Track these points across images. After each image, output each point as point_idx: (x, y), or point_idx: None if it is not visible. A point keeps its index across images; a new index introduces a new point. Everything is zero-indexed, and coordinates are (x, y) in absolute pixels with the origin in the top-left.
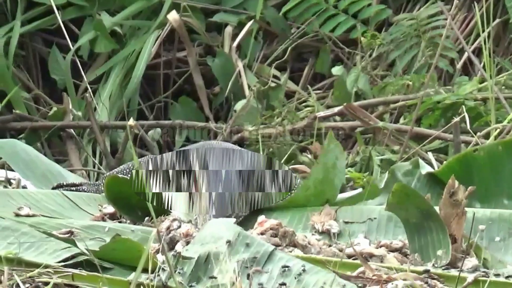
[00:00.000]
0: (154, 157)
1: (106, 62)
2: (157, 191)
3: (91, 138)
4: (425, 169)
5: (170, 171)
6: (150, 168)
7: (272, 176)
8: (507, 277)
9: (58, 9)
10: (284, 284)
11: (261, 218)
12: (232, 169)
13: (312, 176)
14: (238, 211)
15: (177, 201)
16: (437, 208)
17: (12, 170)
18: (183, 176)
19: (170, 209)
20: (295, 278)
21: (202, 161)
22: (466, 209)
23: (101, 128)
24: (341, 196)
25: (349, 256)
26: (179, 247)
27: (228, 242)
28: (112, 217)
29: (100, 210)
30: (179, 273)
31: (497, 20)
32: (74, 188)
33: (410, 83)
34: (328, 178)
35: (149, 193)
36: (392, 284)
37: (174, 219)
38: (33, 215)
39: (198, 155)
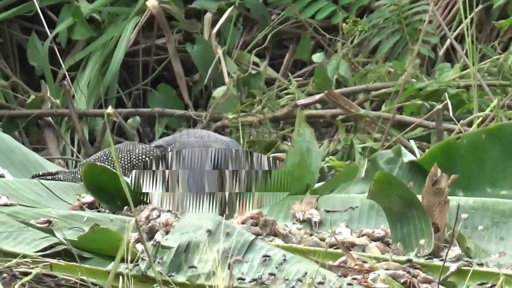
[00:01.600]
0: (130, 143)
1: (84, 48)
2: (135, 180)
3: (69, 126)
4: (407, 157)
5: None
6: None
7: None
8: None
9: None
10: (273, 274)
11: None
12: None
13: (288, 160)
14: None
15: (154, 194)
16: (419, 197)
17: None
18: (161, 167)
19: (148, 200)
20: (276, 267)
21: (179, 160)
22: (449, 197)
23: (80, 116)
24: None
25: (331, 246)
26: (158, 236)
27: (208, 231)
28: (91, 206)
29: (78, 200)
30: (159, 262)
31: (480, 6)
32: (50, 177)
33: (392, 70)
34: (305, 162)
35: (127, 182)
36: (374, 273)
37: (154, 208)
38: (11, 205)
39: (175, 153)
